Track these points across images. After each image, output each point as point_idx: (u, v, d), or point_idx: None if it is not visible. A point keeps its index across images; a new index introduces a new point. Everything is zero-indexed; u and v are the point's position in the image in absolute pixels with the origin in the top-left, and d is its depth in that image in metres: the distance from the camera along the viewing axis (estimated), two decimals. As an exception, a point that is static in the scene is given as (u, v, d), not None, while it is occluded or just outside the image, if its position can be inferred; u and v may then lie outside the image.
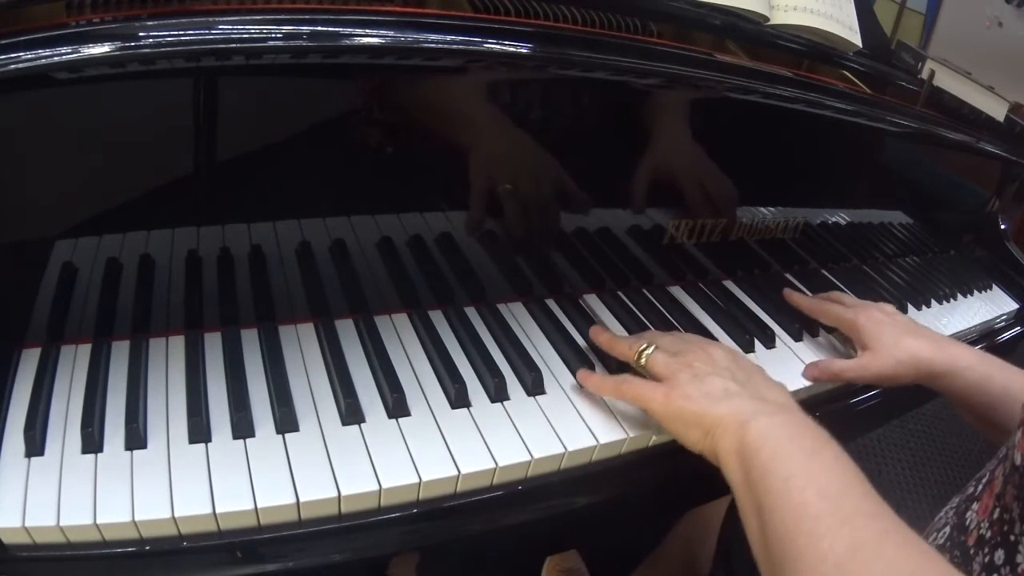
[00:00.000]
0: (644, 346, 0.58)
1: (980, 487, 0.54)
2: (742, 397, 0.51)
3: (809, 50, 0.81)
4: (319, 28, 0.47)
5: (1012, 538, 0.46)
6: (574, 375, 0.60)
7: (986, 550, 0.48)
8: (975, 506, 0.53)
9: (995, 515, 0.49)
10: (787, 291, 0.79)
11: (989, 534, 0.49)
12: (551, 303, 0.69)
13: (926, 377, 0.66)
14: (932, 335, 0.69)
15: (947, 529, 0.55)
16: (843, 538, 0.40)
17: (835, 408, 0.71)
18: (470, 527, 0.52)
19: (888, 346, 0.67)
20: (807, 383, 0.69)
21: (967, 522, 0.52)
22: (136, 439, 0.47)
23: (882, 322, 0.69)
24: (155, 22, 0.43)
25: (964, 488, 0.58)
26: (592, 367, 0.61)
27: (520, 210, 0.65)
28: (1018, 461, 0.45)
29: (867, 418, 0.77)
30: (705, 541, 0.86)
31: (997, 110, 0.94)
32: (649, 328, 0.69)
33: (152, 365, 0.53)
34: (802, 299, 0.77)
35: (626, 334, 0.68)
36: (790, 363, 0.71)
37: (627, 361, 0.59)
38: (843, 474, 0.44)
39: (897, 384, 0.68)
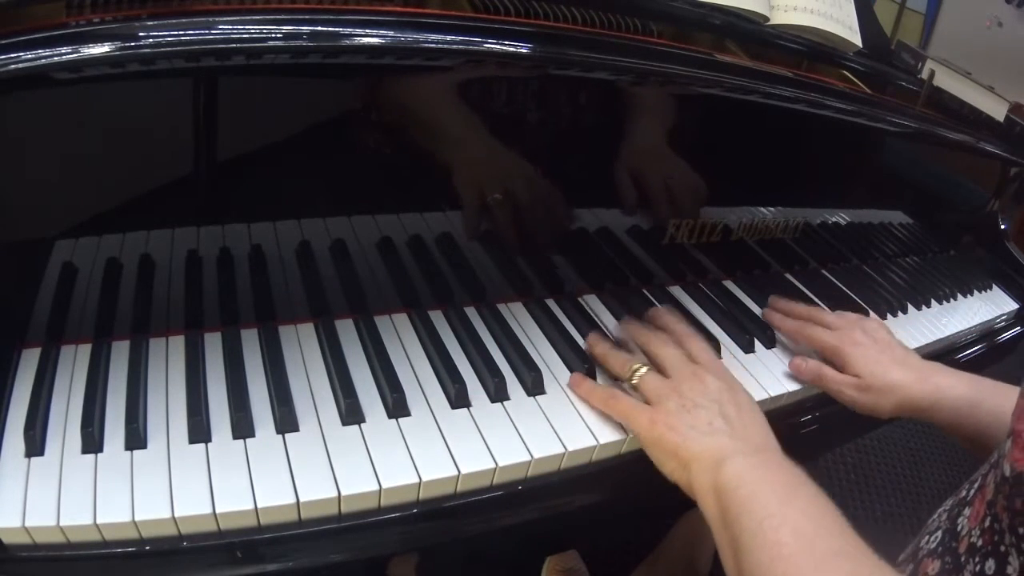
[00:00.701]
0: (638, 366, 0.57)
1: (972, 491, 0.53)
2: (724, 434, 0.51)
3: (809, 50, 0.81)
4: (319, 28, 0.47)
5: (1002, 548, 0.46)
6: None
7: (977, 559, 0.48)
8: (967, 511, 0.52)
9: (986, 523, 0.48)
10: (767, 312, 0.76)
11: (980, 542, 0.48)
12: (551, 303, 0.69)
13: (909, 411, 0.64)
14: (917, 364, 0.66)
15: (939, 534, 0.55)
16: None
17: (835, 408, 0.71)
18: (470, 527, 0.52)
19: (873, 376, 0.64)
20: (806, 385, 0.69)
21: (959, 528, 0.52)
22: (136, 439, 0.47)
23: (868, 349, 0.66)
24: (155, 22, 0.43)
25: (958, 490, 0.57)
26: (592, 368, 0.61)
27: (521, 211, 0.65)
28: (1007, 472, 0.45)
29: (867, 418, 0.76)
30: (705, 541, 0.87)
31: (997, 110, 0.94)
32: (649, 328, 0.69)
33: (152, 365, 0.53)
34: (783, 322, 0.73)
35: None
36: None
37: (620, 378, 0.59)
38: (818, 515, 0.45)
39: (873, 415, 0.65)
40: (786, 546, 0.42)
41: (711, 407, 0.53)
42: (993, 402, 0.61)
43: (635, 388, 0.57)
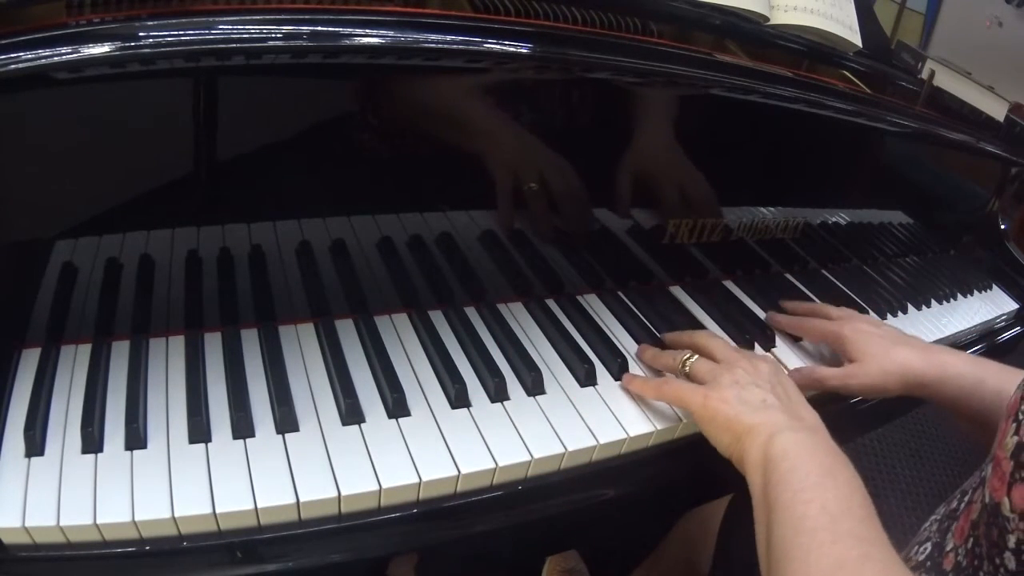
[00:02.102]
0: (688, 355, 0.59)
1: (962, 504, 0.53)
2: (777, 410, 0.52)
3: (809, 50, 0.81)
4: (319, 28, 0.47)
5: (981, 574, 0.46)
6: (574, 375, 0.61)
7: None
8: (954, 527, 0.52)
9: (970, 544, 0.48)
10: (770, 314, 0.77)
11: (965, 562, 0.49)
12: (551, 303, 0.69)
13: (915, 387, 0.65)
14: (920, 344, 0.67)
15: (928, 546, 0.55)
16: (829, 555, 0.41)
17: (836, 408, 0.71)
18: (470, 527, 0.51)
19: (875, 356, 0.65)
20: (806, 386, 0.68)
21: (946, 543, 0.52)
22: (136, 439, 0.47)
23: (869, 333, 0.67)
24: (155, 22, 0.43)
25: (949, 499, 0.57)
26: (592, 367, 0.61)
27: (522, 210, 0.65)
28: (987, 499, 0.45)
29: (867, 418, 0.76)
30: (704, 541, 0.86)
31: (997, 110, 0.94)
32: (649, 327, 0.69)
33: (152, 365, 0.53)
34: (783, 319, 0.75)
35: (627, 334, 0.68)
36: (790, 364, 0.71)
37: (672, 372, 0.60)
38: (849, 497, 0.45)
39: (883, 395, 0.67)
40: (810, 520, 0.43)
41: (763, 385, 0.54)
42: (998, 380, 0.62)
43: (687, 376, 0.58)
